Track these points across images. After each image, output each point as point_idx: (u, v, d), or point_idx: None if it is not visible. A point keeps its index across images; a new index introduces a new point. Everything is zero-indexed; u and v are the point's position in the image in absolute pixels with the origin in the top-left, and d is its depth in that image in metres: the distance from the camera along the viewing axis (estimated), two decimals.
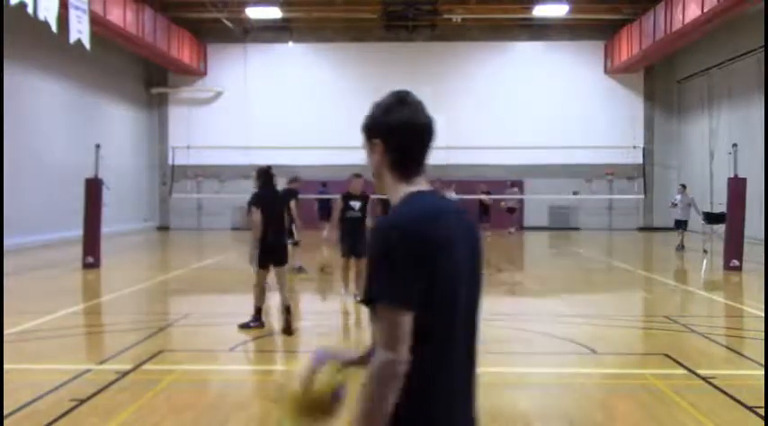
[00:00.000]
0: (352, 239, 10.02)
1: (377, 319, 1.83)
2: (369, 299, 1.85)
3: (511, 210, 25.77)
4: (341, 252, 10.35)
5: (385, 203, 9.50)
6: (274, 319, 8.77)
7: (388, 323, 1.80)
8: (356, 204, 10.14)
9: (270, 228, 8.20)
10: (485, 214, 24.68)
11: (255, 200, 8.30)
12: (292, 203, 11.77)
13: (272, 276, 8.51)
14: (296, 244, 12.70)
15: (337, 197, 10.75)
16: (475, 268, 2.01)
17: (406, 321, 1.80)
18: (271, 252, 8.25)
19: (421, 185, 1.99)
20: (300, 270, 13.33)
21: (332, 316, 9.90)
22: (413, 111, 2.00)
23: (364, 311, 8.30)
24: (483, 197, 24.70)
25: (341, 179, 18.22)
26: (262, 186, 8.39)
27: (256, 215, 8.19)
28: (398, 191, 1.97)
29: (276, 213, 8.36)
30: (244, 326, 8.34)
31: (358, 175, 10.13)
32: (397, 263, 1.80)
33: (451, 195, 15.98)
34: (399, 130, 1.97)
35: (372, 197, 10.52)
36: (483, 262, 2.08)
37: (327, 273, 12.72)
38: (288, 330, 8.10)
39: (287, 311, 8.23)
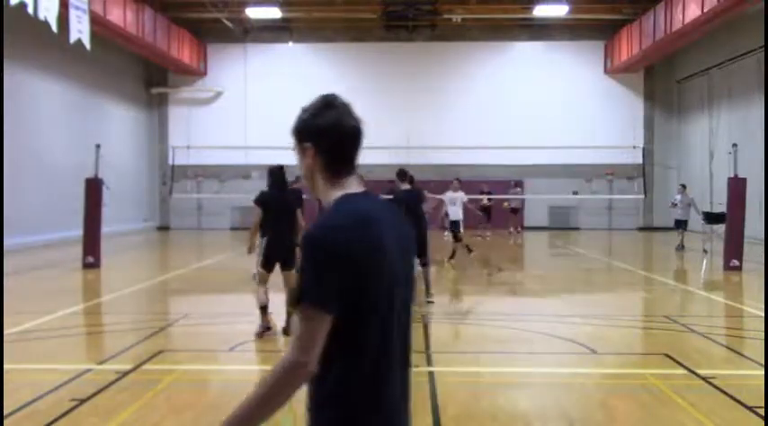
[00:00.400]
0: None
1: (298, 320, 1.85)
2: (295, 300, 1.85)
3: (514, 211, 25.77)
4: None
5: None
6: (278, 319, 8.71)
7: (306, 325, 1.82)
8: None
9: (275, 229, 8.03)
10: (485, 214, 24.69)
11: (258, 199, 8.17)
12: None
13: (277, 278, 8.34)
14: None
15: None
16: (407, 270, 2.04)
17: (324, 325, 1.81)
18: (276, 253, 8.04)
19: (352, 187, 2.01)
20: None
21: None
22: (340, 114, 2.02)
23: None
24: (483, 197, 24.71)
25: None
26: (270, 185, 8.22)
27: (256, 214, 8.09)
28: (330, 194, 2.00)
29: (282, 214, 8.11)
30: (259, 335, 7.97)
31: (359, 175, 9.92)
32: (324, 267, 1.81)
33: (461, 195, 15.96)
34: (328, 132, 2.00)
35: (384, 198, 10.23)
36: (412, 265, 2.12)
37: None
38: (288, 330, 8.00)
39: (289, 314, 8.06)
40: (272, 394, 1.85)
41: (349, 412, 1.89)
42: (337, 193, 1.98)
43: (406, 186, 10.43)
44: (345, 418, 1.89)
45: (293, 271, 8.08)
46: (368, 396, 1.90)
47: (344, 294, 1.82)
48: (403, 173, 10.48)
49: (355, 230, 1.86)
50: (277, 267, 8.17)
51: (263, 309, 8.16)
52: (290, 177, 8.73)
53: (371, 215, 1.94)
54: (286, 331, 8.04)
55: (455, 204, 15.69)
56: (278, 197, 8.17)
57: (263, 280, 8.21)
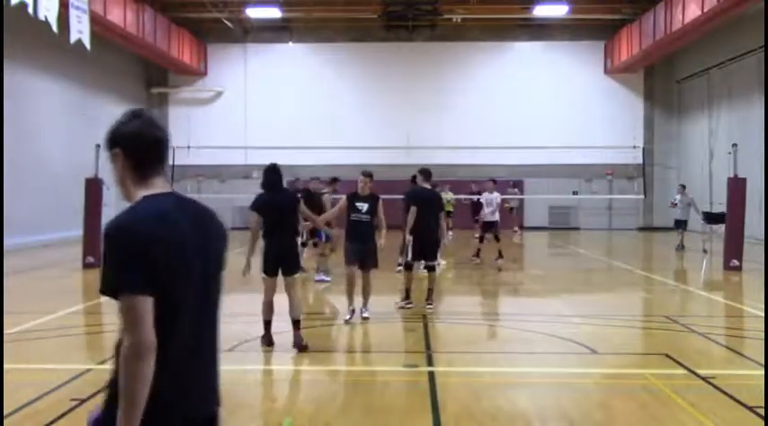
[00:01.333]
0: (359, 247, 8.84)
1: (120, 308, 2.04)
2: (107, 291, 2.07)
3: (511, 210, 25.76)
4: (345, 260, 9.07)
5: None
6: (284, 320, 8.42)
7: (127, 310, 2.02)
8: (363, 206, 8.81)
9: (269, 233, 7.48)
10: (477, 214, 24.72)
11: (252, 205, 7.58)
12: (327, 204, 11.82)
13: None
14: (304, 244, 12.95)
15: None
16: (210, 265, 2.25)
17: (143, 305, 2.02)
18: (275, 259, 7.45)
19: (157, 188, 2.23)
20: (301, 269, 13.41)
21: (340, 327, 9.90)
22: (145, 124, 2.27)
23: (372, 326, 8.10)
24: (474, 197, 24.80)
25: (341, 178, 18.21)
26: (262, 186, 7.67)
27: (252, 220, 7.56)
28: (137, 194, 2.22)
29: (274, 217, 7.50)
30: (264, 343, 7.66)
31: (366, 174, 8.99)
32: (128, 257, 2.03)
33: (496, 195, 15.91)
34: (133, 139, 2.23)
35: (382, 197, 9.14)
36: (222, 261, 2.34)
37: (325, 255, 12.86)
38: (299, 346, 7.45)
39: (296, 326, 7.52)
40: (132, 380, 2.00)
41: (154, 395, 2.03)
42: (143, 193, 2.20)
43: (427, 185, 10.25)
44: (150, 402, 2.03)
45: (295, 277, 7.70)
46: (174, 381, 2.09)
47: (145, 279, 2.03)
48: (428, 173, 10.29)
49: (152, 225, 2.08)
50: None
51: (267, 324, 7.61)
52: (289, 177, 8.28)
53: (170, 213, 2.15)
54: (297, 347, 7.46)
55: (491, 205, 15.63)
56: (269, 199, 7.53)
57: (266, 289, 7.57)
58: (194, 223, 2.21)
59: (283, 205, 7.63)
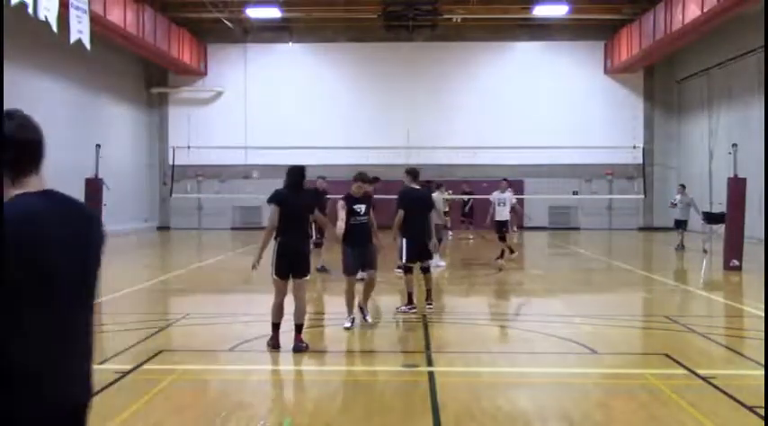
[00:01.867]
0: (360, 250, 8.65)
1: None
2: None
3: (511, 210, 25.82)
4: (344, 268, 8.74)
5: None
6: (285, 320, 7.96)
7: None
8: (361, 208, 8.65)
9: (286, 232, 7.42)
10: (467, 215, 24.80)
11: (273, 198, 7.50)
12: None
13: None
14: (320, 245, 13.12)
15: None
16: (85, 261, 2.34)
17: None
18: (288, 260, 7.39)
19: (31, 187, 2.26)
20: (323, 269, 13.44)
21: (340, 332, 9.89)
22: (16, 125, 2.27)
23: (372, 326, 8.09)
24: (465, 197, 24.90)
25: (340, 178, 18.24)
26: (286, 185, 7.59)
27: (273, 213, 7.45)
28: (11, 193, 2.26)
29: (295, 217, 7.47)
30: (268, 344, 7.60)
31: (366, 180, 8.83)
32: None
33: (508, 195, 15.83)
34: (7, 140, 2.26)
35: (381, 197, 9.28)
36: (97, 258, 2.41)
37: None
38: (299, 351, 7.38)
39: (298, 330, 7.47)
40: None
41: (20, 387, 2.12)
42: (15, 192, 2.24)
43: (415, 186, 10.21)
44: (15, 392, 2.12)
45: (305, 279, 7.62)
46: (39, 373, 2.18)
47: (10, 281, 2.06)
48: (416, 172, 10.27)
49: (16, 225, 2.10)
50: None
51: (276, 327, 7.52)
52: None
53: (38, 213, 2.20)
54: (297, 350, 7.40)
55: (502, 204, 15.60)
56: (293, 198, 7.51)
57: (277, 291, 7.49)
58: (66, 221, 2.27)
59: (303, 204, 7.66)
